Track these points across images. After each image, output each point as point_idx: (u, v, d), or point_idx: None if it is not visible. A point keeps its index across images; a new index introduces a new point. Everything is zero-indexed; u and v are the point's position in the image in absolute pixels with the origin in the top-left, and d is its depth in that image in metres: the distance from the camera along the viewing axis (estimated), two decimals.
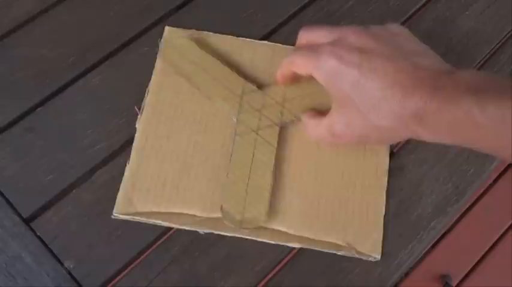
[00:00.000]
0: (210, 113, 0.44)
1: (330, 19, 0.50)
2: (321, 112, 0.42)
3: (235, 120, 0.43)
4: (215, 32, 0.47)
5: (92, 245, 0.39)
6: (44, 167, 0.42)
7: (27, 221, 0.40)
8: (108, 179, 0.42)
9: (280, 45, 0.47)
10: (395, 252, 0.41)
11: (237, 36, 0.47)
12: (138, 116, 0.43)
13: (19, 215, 0.40)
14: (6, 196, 0.41)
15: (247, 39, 0.47)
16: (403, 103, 0.34)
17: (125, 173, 0.41)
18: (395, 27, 0.39)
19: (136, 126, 0.43)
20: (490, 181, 0.94)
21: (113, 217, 0.40)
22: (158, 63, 0.46)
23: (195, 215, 0.40)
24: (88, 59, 0.46)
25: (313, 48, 0.38)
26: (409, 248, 0.41)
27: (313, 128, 0.41)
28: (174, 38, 0.47)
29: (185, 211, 0.40)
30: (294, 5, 0.51)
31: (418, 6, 0.52)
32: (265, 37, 0.48)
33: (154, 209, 0.40)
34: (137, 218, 0.40)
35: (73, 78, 0.46)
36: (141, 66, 0.46)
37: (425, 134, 0.35)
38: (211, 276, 0.39)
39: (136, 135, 0.43)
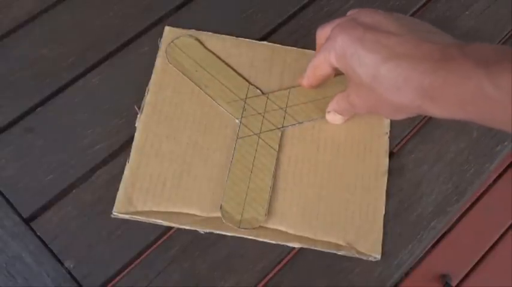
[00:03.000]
0: (210, 113, 0.44)
1: (330, 19, 0.50)
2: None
3: (237, 121, 0.43)
4: (215, 32, 0.47)
5: (92, 245, 0.39)
6: (44, 167, 0.42)
7: (27, 221, 0.40)
8: (108, 179, 0.42)
9: (280, 45, 0.48)
10: (395, 252, 0.41)
11: (237, 37, 0.48)
12: (138, 115, 0.43)
13: (19, 215, 0.40)
14: (6, 196, 0.41)
15: (247, 39, 0.47)
16: (406, 75, 0.32)
17: (125, 172, 0.41)
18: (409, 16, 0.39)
19: (136, 125, 0.43)
20: (490, 181, 0.94)
21: (112, 216, 0.40)
22: (158, 63, 0.46)
23: (195, 215, 0.40)
24: (88, 59, 0.46)
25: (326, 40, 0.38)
26: (409, 248, 0.41)
27: (338, 100, 0.41)
28: (178, 36, 0.47)
29: (185, 211, 0.40)
30: (294, 5, 0.51)
31: (418, 6, 0.51)
32: (265, 37, 0.49)
33: (154, 209, 0.40)
34: (137, 218, 0.40)
35: (73, 78, 0.46)
36: (141, 66, 0.46)
37: (434, 109, 0.33)
38: (211, 276, 0.39)
39: (136, 134, 0.43)
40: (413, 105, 0.34)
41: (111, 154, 0.43)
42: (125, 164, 0.41)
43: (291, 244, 0.40)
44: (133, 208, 0.40)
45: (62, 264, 0.39)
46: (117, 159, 0.42)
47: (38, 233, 0.40)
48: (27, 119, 0.44)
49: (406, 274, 0.89)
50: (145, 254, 0.40)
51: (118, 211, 0.40)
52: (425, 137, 0.45)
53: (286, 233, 0.40)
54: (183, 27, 0.47)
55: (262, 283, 0.40)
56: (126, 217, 0.40)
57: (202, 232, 0.40)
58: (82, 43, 0.47)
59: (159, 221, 0.40)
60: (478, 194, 0.97)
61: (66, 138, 0.43)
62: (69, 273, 0.39)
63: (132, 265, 0.39)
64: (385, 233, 0.41)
